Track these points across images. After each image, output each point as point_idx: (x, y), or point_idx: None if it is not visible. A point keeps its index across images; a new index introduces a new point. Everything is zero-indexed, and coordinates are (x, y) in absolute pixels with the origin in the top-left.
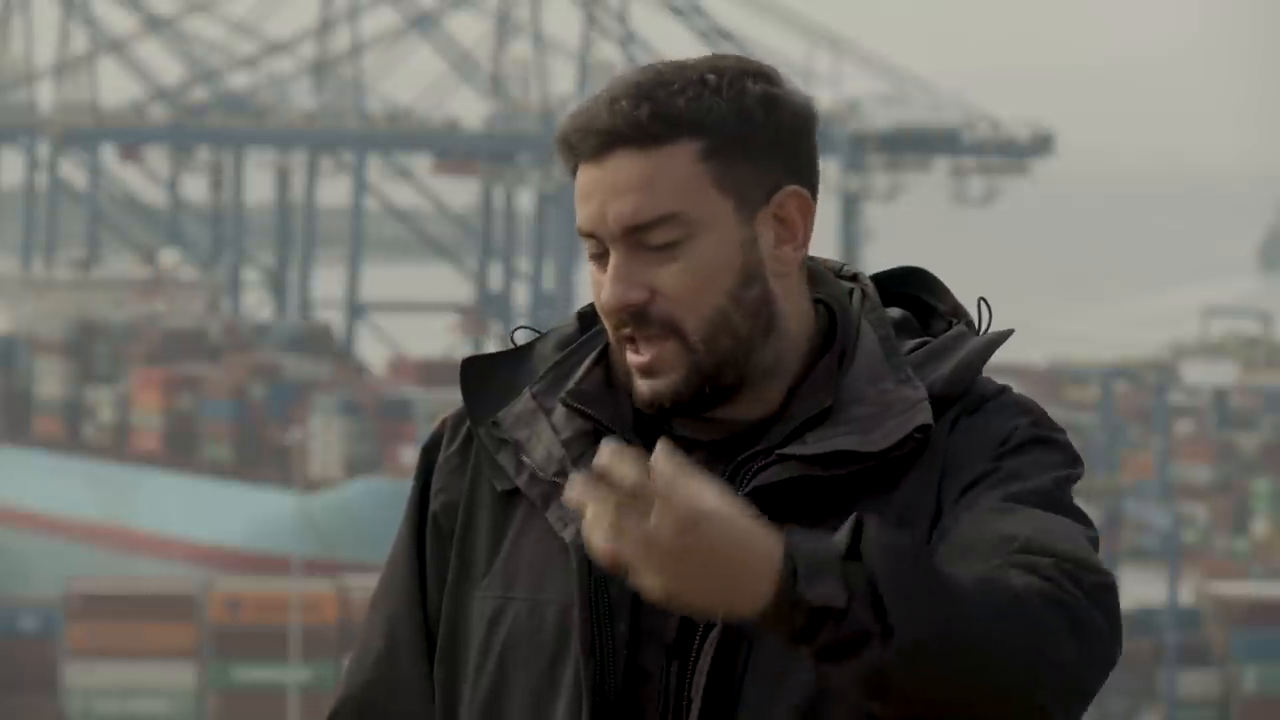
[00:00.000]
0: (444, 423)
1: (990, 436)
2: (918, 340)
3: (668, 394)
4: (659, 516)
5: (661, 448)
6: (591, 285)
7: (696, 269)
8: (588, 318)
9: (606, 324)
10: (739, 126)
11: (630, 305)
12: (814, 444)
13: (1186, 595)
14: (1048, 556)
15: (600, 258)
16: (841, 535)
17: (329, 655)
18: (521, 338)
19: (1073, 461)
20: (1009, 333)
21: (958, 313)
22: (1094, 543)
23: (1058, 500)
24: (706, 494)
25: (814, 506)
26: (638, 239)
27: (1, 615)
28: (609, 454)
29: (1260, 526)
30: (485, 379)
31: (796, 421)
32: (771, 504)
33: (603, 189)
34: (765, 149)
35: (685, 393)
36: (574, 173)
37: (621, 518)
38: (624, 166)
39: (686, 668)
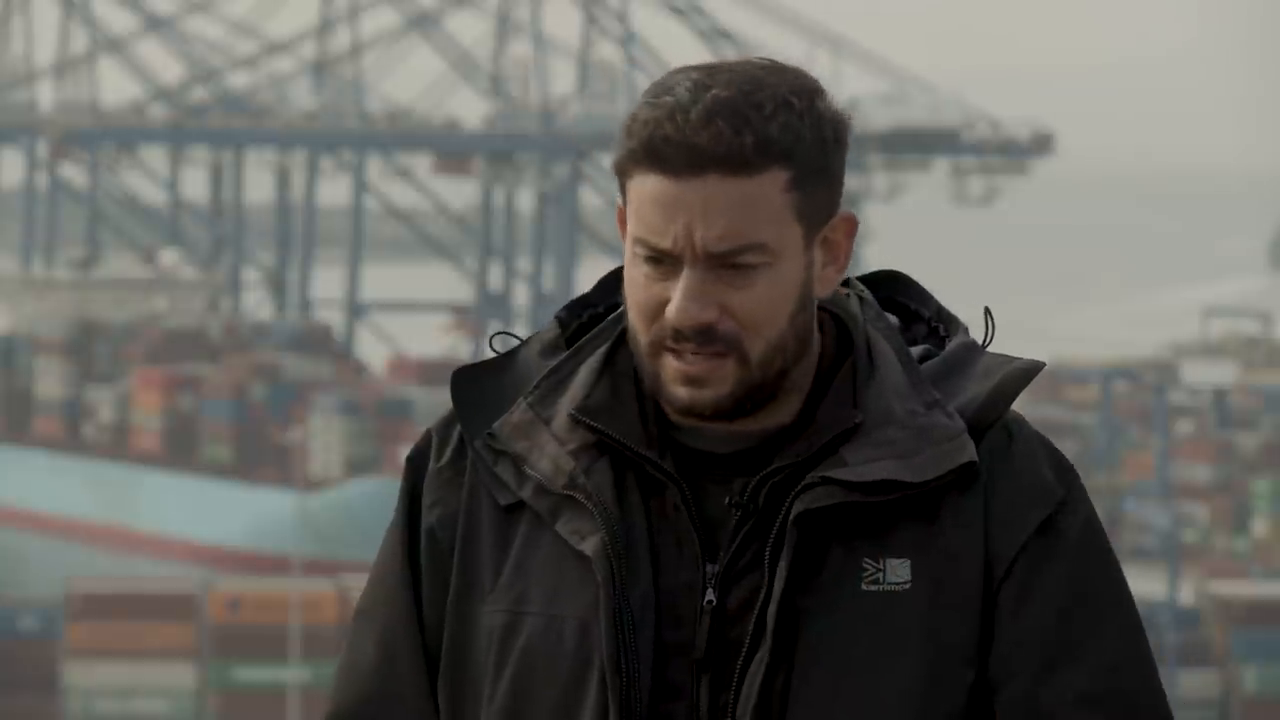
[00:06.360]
0: (429, 433)
1: (1029, 495)
2: (921, 349)
3: (710, 404)
4: None
5: None
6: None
7: (769, 295)
8: (566, 323)
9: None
10: (820, 156)
11: (703, 324)
12: (855, 467)
13: (1186, 595)
14: None
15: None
16: None
17: (329, 655)
18: (501, 345)
19: (1102, 531)
20: (1041, 365)
21: (941, 317)
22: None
23: (1132, 626)
24: None
25: (849, 529)
26: (719, 260)
27: (1, 615)
28: None
29: (1260, 526)
30: (476, 390)
31: (826, 436)
32: (811, 526)
33: (691, 209)
34: (832, 176)
35: (728, 406)
36: (624, 173)
37: None
38: (718, 191)
39: (720, 683)
